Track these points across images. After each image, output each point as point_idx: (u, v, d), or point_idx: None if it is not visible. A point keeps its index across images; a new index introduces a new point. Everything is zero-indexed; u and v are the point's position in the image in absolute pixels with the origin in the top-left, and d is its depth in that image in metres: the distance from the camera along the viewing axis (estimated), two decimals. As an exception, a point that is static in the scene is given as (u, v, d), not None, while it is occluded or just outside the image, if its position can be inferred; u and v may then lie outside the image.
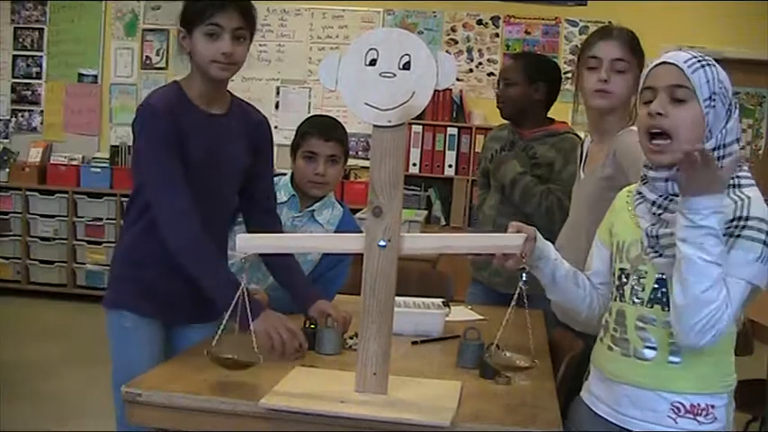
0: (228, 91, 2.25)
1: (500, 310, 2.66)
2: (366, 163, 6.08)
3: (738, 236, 1.53)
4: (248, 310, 1.90)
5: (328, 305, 2.29)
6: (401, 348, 2.16)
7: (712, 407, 1.62)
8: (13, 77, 6.72)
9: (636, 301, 1.67)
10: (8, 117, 6.74)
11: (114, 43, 6.55)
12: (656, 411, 1.63)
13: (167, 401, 1.76)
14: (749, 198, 1.56)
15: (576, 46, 6.15)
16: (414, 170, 6.02)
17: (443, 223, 6.12)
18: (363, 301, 1.76)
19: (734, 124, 1.61)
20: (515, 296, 1.72)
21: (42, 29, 6.65)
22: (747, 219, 1.53)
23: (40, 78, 6.69)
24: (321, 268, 2.63)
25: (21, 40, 6.69)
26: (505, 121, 3.19)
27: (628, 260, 1.70)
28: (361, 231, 1.93)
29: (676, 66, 1.59)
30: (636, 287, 1.67)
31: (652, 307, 1.64)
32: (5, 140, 6.70)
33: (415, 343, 2.30)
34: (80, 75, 6.62)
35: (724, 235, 1.52)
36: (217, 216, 2.21)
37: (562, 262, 1.81)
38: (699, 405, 1.61)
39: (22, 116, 6.72)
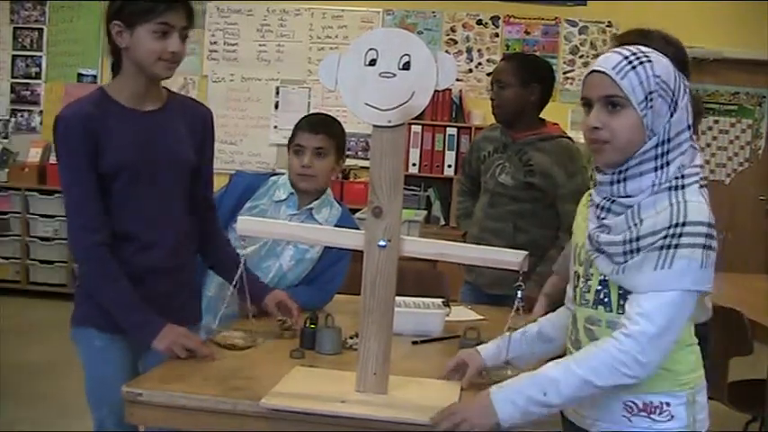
0: (165, 87, 2.18)
1: (494, 308, 2.75)
2: (366, 163, 6.08)
3: (677, 246, 1.48)
4: (143, 328, 1.99)
5: (285, 295, 2.30)
6: (401, 348, 2.16)
7: (667, 405, 1.59)
8: (13, 77, 6.72)
9: (583, 302, 1.66)
10: (7, 117, 6.74)
11: (114, 43, 6.55)
12: (611, 411, 1.61)
13: (167, 401, 1.76)
14: (686, 202, 1.51)
15: (576, 46, 6.18)
16: (413, 170, 6.03)
17: (443, 223, 6.12)
18: (363, 300, 1.76)
19: (681, 114, 1.56)
20: (513, 310, 1.75)
21: (42, 29, 6.65)
22: (684, 224, 1.49)
23: (39, 78, 6.69)
24: (319, 267, 2.63)
25: (20, 40, 6.69)
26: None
27: (579, 263, 1.69)
28: (359, 231, 1.93)
29: (605, 74, 1.54)
30: (583, 289, 1.66)
31: (596, 308, 1.62)
32: (5, 140, 6.70)
33: (415, 343, 2.30)
34: (80, 75, 6.61)
35: (661, 248, 1.49)
36: (170, 210, 2.15)
37: (520, 341, 1.82)
38: (652, 403, 1.59)
39: (22, 116, 6.72)
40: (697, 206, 1.51)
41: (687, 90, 1.58)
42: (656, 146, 1.54)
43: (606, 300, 1.61)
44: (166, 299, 2.12)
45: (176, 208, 2.17)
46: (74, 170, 2.03)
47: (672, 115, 1.54)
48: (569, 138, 3.09)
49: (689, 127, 1.57)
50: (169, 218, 2.15)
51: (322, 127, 2.61)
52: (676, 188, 1.54)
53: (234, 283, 1.98)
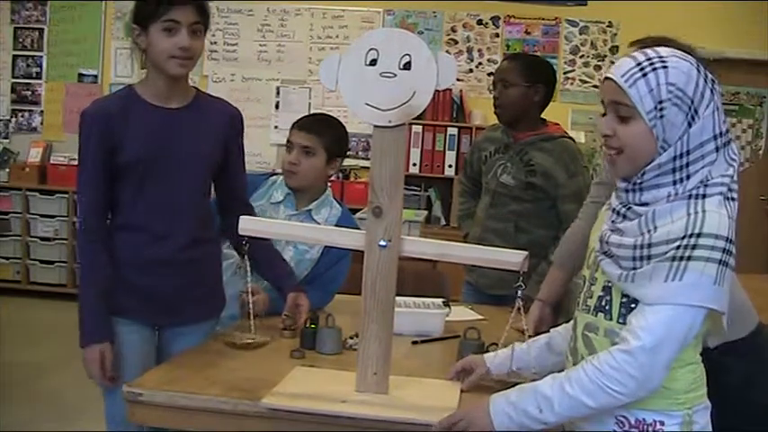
0: (196, 87, 2.26)
1: (495, 308, 2.76)
2: (366, 163, 6.07)
3: (690, 257, 1.41)
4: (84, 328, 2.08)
5: (304, 299, 2.31)
6: (401, 348, 2.16)
7: (661, 423, 1.51)
8: (13, 77, 6.71)
9: (584, 308, 1.60)
10: (8, 117, 6.74)
11: (114, 43, 6.55)
12: (602, 424, 1.54)
13: (168, 401, 1.76)
14: (704, 212, 1.43)
15: (577, 46, 6.18)
16: (414, 170, 6.02)
17: (443, 223, 6.12)
18: (364, 301, 1.76)
19: (704, 124, 1.47)
20: (514, 310, 1.74)
21: (42, 29, 6.65)
22: (699, 236, 1.41)
23: (40, 78, 6.69)
24: (320, 267, 2.63)
25: (21, 40, 6.68)
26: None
27: (588, 266, 1.65)
28: (359, 231, 1.93)
29: (613, 81, 1.48)
30: (587, 294, 1.62)
31: (596, 315, 1.56)
32: (5, 140, 6.70)
33: (415, 343, 2.31)
34: (80, 75, 6.61)
35: (673, 259, 1.42)
36: (185, 204, 2.19)
37: (527, 352, 1.80)
38: (644, 420, 1.51)
39: (22, 116, 6.72)
40: (717, 218, 1.43)
41: (715, 97, 1.49)
42: (674, 158, 1.47)
43: (607, 307, 1.55)
44: (180, 291, 2.18)
45: (192, 203, 2.21)
46: (83, 162, 2.12)
47: (690, 125, 1.46)
48: (571, 138, 3.09)
49: (717, 136, 1.48)
50: (184, 212, 2.19)
51: (313, 126, 2.62)
52: (696, 197, 1.46)
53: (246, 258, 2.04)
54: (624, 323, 1.50)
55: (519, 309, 1.77)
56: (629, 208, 1.53)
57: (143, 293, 2.15)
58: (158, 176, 2.13)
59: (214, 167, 2.25)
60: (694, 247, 1.41)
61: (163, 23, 2.05)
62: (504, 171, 3.02)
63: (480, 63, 6.28)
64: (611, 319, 1.54)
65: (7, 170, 6.47)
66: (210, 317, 2.33)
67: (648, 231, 1.47)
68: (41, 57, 6.68)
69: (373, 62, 1.70)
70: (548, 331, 1.86)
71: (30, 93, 6.71)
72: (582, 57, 6.17)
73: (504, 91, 3.00)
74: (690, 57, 1.51)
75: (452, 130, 6.10)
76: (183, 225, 2.19)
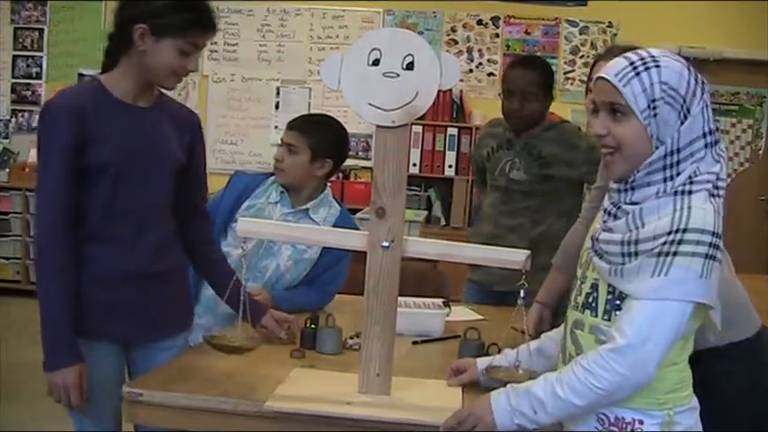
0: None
1: (495, 308, 2.75)
2: (366, 163, 6.07)
3: (675, 253, 1.43)
4: (46, 355, 1.90)
5: (279, 313, 2.25)
6: (402, 348, 2.16)
7: (640, 422, 1.51)
8: (13, 78, 6.70)
9: (573, 305, 1.62)
10: (8, 117, 6.74)
11: (114, 43, 6.54)
12: (584, 421, 1.56)
13: (169, 401, 1.76)
14: (690, 208, 1.45)
15: (577, 46, 6.18)
16: (414, 170, 6.01)
17: (443, 223, 6.11)
18: (366, 302, 1.76)
19: (694, 122, 1.49)
20: (516, 309, 1.74)
21: (42, 29, 6.65)
22: (685, 231, 1.43)
23: (39, 78, 6.68)
24: (319, 268, 2.63)
25: (21, 40, 6.68)
26: (498, 116, 3.12)
27: (580, 266, 1.66)
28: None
29: (608, 81, 1.50)
30: (576, 292, 1.62)
31: (583, 312, 1.58)
32: (5, 140, 6.69)
33: (415, 343, 2.31)
34: (80, 75, 6.60)
35: (659, 254, 1.43)
36: (156, 210, 2.06)
37: (516, 357, 1.81)
38: (623, 419, 1.52)
39: (22, 116, 6.71)
40: (702, 213, 1.45)
41: (704, 96, 1.52)
42: (665, 156, 1.49)
43: (594, 304, 1.56)
44: (153, 304, 2.05)
45: (163, 205, 2.08)
46: (48, 163, 1.91)
47: (682, 123, 1.48)
48: (568, 122, 3.12)
49: (706, 134, 1.51)
50: (156, 216, 2.06)
51: (299, 125, 2.63)
52: (683, 193, 1.48)
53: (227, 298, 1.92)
54: (609, 320, 1.52)
55: (522, 308, 1.77)
56: (620, 207, 1.54)
57: (114, 310, 1.99)
58: (131, 179, 1.97)
59: (180, 170, 2.10)
60: (680, 242, 1.43)
61: (184, 44, 1.94)
62: (512, 167, 3.00)
63: (480, 63, 6.28)
64: (596, 316, 1.56)
65: (7, 170, 6.47)
66: (184, 329, 2.21)
67: (636, 228, 1.49)
68: (41, 57, 6.67)
69: (376, 62, 1.70)
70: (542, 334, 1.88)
71: (30, 93, 6.71)
72: (582, 57, 6.17)
73: (528, 105, 2.94)
74: (680, 57, 1.53)
75: (452, 131, 6.09)
76: (155, 231, 2.04)
